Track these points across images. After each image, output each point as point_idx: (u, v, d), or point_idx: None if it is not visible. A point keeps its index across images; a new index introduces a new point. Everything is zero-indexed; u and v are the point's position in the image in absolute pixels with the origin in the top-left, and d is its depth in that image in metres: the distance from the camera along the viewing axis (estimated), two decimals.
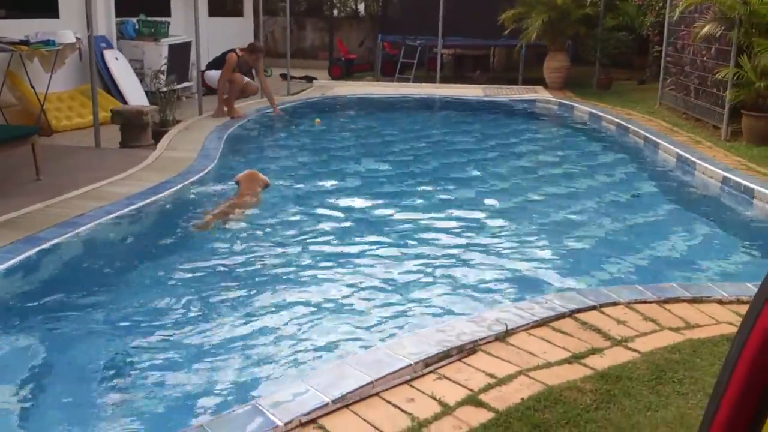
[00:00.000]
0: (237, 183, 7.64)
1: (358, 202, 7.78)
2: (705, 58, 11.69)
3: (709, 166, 8.81)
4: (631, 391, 3.46)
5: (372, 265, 5.82)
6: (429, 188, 8.53)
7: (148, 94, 12.21)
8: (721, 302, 4.62)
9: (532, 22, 15.71)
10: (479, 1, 17.45)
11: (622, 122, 12.11)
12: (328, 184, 8.56)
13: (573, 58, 17.25)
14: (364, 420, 3.21)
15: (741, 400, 1.37)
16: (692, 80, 12.19)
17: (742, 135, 10.46)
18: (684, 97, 12.62)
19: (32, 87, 10.44)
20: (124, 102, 11.96)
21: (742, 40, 10.36)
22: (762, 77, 9.95)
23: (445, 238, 6.60)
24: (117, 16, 13.21)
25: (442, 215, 7.36)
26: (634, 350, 3.90)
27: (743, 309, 4.49)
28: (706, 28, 10.85)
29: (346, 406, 3.32)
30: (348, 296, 5.20)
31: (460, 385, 3.51)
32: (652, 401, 3.39)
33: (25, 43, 10.16)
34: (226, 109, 11.92)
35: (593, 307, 4.42)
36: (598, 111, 13.29)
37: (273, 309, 4.96)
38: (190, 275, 5.52)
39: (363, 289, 5.34)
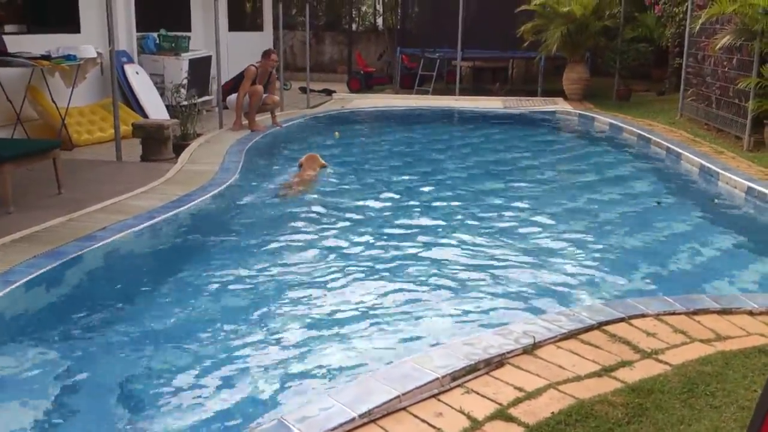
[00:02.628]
0: (300, 166, 9.45)
1: (382, 213, 7.76)
2: (727, 69, 11.60)
3: (733, 177, 8.72)
4: (663, 405, 3.39)
5: (396, 278, 5.78)
6: (453, 200, 8.48)
7: (169, 108, 12.26)
8: (751, 313, 4.54)
9: (551, 34, 15.67)
10: (498, 14, 17.42)
11: (643, 133, 12.04)
12: (352, 195, 8.55)
13: (592, 69, 17.21)
14: None
15: None
16: (714, 91, 12.10)
17: (764, 145, 10.36)
18: (705, 108, 12.52)
19: (53, 102, 10.49)
20: (145, 116, 12.02)
21: (765, 50, 10.26)
22: None
23: (469, 250, 6.55)
24: (138, 31, 13.29)
25: (465, 227, 7.32)
26: (665, 363, 3.83)
27: None
28: (724, 39, 10.78)
29: (373, 421, 3.26)
30: (373, 309, 5.16)
31: (489, 399, 3.45)
32: (685, 415, 3.32)
33: (47, 58, 10.23)
34: (245, 122, 11.94)
35: (621, 319, 4.35)
36: (618, 122, 13.23)
37: (297, 323, 4.92)
38: (213, 288, 5.51)
39: (388, 302, 5.30)
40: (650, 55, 17.07)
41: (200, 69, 13.93)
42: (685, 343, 4.10)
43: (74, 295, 5.34)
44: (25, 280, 5.05)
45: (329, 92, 17.86)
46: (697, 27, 12.40)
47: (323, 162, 9.63)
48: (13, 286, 4.93)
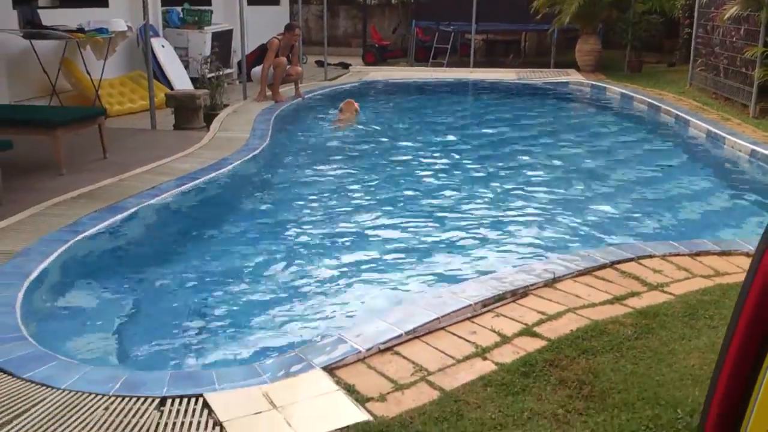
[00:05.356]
0: (340, 110, 11.87)
1: (416, 173, 8.59)
2: (734, 39, 11.99)
3: (738, 140, 9.18)
4: (667, 325, 3.91)
5: (433, 225, 6.54)
6: (480, 161, 9.22)
7: (193, 80, 12.74)
8: (748, 255, 5.04)
9: (567, 6, 16.01)
10: None
11: (653, 101, 12.47)
12: (383, 157, 9.32)
13: (604, 41, 17.56)
14: (435, 348, 3.70)
15: (748, 334, 1.63)
16: (722, 60, 12.49)
17: None
18: (714, 77, 12.92)
19: (88, 73, 10.98)
20: (171, 87, 12.46)
21: None
22: None
23: (497, 202, 7.32)
24: (162, 5, 13.75)
25: (494, 184, 8.04)
26: (669, 293, 4.35)
27: None
28: (732, 10, 11.17)
29: (417, 337, 3.80)
30: (414, 247, 5.92)
31: (516, 320, 3.98)
32: (686, 333, 3.84)
33: (81, 30, 10.70)
34: (269, 93, 12.40)
35: (631, 259, 4.87)
36: (629, 92, 13.64)
37: (348, 258, 5.66)
38: (268, 231, 6.35)
39: (428, 242, 6.06)
40: (661, 26, 17.41)
41: (222, 42, 14.38)
42: (688, 279, 4.61)
43: (136, 242, 5.91)
44: (92, 231, 5.56)
45: (345, 65, 18.28)
46: None
47: (357, 107, 11.97)
48: (83, 235, 5.45)
